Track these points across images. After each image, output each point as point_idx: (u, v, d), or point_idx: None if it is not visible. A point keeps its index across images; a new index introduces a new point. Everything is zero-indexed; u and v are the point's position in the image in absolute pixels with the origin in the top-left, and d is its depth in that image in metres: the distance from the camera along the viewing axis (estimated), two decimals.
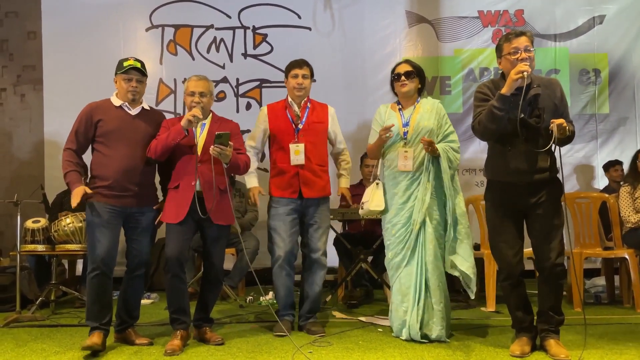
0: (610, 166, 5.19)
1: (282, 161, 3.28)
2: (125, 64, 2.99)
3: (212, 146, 2.90)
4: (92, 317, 2.91)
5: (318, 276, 3.30)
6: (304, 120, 3.31)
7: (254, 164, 3.39)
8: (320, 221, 3.28)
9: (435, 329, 2.97)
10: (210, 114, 3.16)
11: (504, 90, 2.64)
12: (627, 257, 3.95)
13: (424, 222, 3.04)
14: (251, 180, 3.40)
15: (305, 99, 3.37)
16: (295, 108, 3.34)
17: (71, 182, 2.92)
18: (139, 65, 3.00)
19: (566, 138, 2.68)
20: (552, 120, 2.60)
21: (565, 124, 2.58)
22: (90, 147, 3.04)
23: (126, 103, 3.01)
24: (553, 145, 2.66)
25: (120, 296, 3.08)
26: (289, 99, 3.38)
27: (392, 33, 5.62)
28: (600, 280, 4.48)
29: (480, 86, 2.88)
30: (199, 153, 3.00)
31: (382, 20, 5.61)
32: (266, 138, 3.41)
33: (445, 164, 3.04)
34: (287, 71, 3.38)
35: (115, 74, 3.03)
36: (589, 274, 4.82)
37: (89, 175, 3.03)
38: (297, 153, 3.24)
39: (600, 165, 5.42)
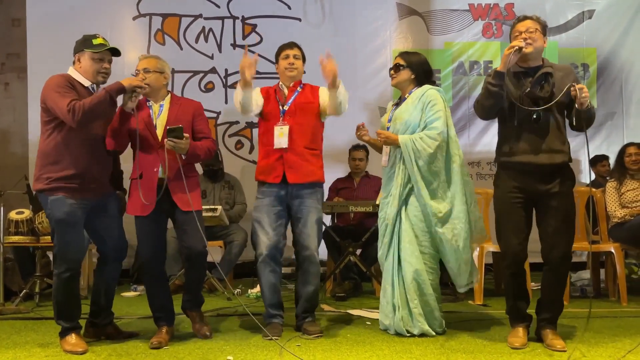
0: (598, 161, 5.20)
1: (267, 144, 3.10)
2: (95, 41, 2.78)
3: (165, 139, 2.77)
4: (65, 317, 2.79)
5: (311, 275, 3.07)
6: (290, 101, 3.12)
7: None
8: (308, 216, 3.05)
9: (417, 326, 2.94)
10: (169, 95, 3.00)
11: (500, 67, 2.68)
12: (613, 251, 3.99)
13: (399, 219, 3.01)
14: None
15: (296, 82, 3.18)
16: (285, 90, 3.17)
17: (112, 88, 2.67)
18: (110, 45, 2.81)
19: (587, 118, 2.65)
20: (571, 86, 2.60)
21: (586, 90, 2.58)
22: (44, 129, 2.76)
23: (94, 85, 2.84)
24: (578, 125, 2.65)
25: (95, 288, 2.98)
26: (280, 83, 3.21)
27: (383, 25, 5.58)
28: (586, 274, 4.53)
29: (490, 72, 2.88)
30: (160, 137, 2.86)
31: (372, 12, 5.57)
32: (262, 102, 3.16)
33: (409, 154, 2.93)
34: (277, 55, 3.23)
35: (80, 50, 2.79)
36: (576, 267, 4.87)
37: (42, 164, 2.74)
38: (280, 135, 3.04)
39: (587, 159, 5.43)
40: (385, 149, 3.12)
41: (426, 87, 3.08)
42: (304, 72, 3.30)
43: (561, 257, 2.71)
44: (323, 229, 3.52)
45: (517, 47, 2.64)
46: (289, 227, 3.17)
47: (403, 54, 3.20)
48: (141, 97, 2.87)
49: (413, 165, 2.93)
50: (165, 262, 3.03)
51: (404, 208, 3.01)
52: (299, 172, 3.04)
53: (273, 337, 2.82)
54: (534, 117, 2.67)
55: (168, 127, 2.79)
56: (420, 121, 3.00)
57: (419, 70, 3.12)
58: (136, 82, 2.76)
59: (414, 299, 2.95)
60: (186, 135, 2.80)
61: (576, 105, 2.62)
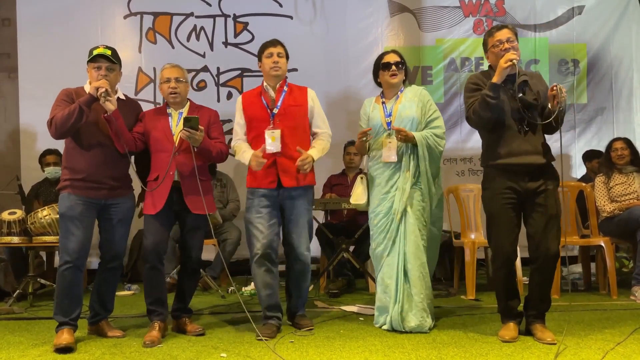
0: (595, 157, 5.08)
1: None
2: (95, 52, 2.88)
3: (181, 129, 2.88)
4: (61, 312, 2.82)
5: (301, 274, 3.11)
6: (279, 104, 3.07)
7: (248, 150, 3.09)
8: (298, 217, 3.06)
9: (414, 320, 2.96)
10: (188, 102, 3.12)
11: (495, 79, 2.74)
12: (603, 244, 4.03)
13: (405, 212, 3.04)
14: (245, 156, 3.06)
15: (282, 82, 3.13)
16: (271, 92, 3.10)
17: (80, 101, 2.76)
18: (108, 52, 2.88)
19: (560, 116, 2.72)
20: (554, 85, 2.67)
21: (565, 91, 2.68)
22: None
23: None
24: (553, 122, 2.71)
25: (94, 288, 3.04)
26: (264, 84, 3.14)
27: (374, 22, 5.59)
28: (577, 268, 4.57)
29: (470, 77, 2.97)
30: (176, 143, 2.97)
31: (364, 9, 5.58)
32: (244, 124, 3.17)
33: (423, 150, 3.03)
34: (260, 53, 3.14)
35: (87, 63, 2.92)
36: (567, 261, 4.91)
37: (62, 167, 2.96)
38: (273, 139, 2.98)
39: (578, 154, 5.49)
40: (392, 144, 3.08)
41: (418, 87, 3.23)
42: (296, 70, 3.31)
43: (547, 255, 2.75)
44: (316, 227, 3.52)
45: (514, 61, 2.70)
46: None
47: (397, 52, 3.22)
48: (116, 95, 2.92)
49: (425, 162, 3.04)
50: (164, 257, 3.05)
51: (409, 202, 3.05)
52: (294, 176, 3.03)
53: (264, 338, 2.79)
54: (525, 118, 2.74)
55: (184, 117, 2.91)
56: (421, 118, 3.10)
57: (407, 69, 3.24)
58: (96, 84, 2.79)
59: (421, 292, 2.99)
60: (201, 127, 2.90)
61: (549, 105, 2.69)
